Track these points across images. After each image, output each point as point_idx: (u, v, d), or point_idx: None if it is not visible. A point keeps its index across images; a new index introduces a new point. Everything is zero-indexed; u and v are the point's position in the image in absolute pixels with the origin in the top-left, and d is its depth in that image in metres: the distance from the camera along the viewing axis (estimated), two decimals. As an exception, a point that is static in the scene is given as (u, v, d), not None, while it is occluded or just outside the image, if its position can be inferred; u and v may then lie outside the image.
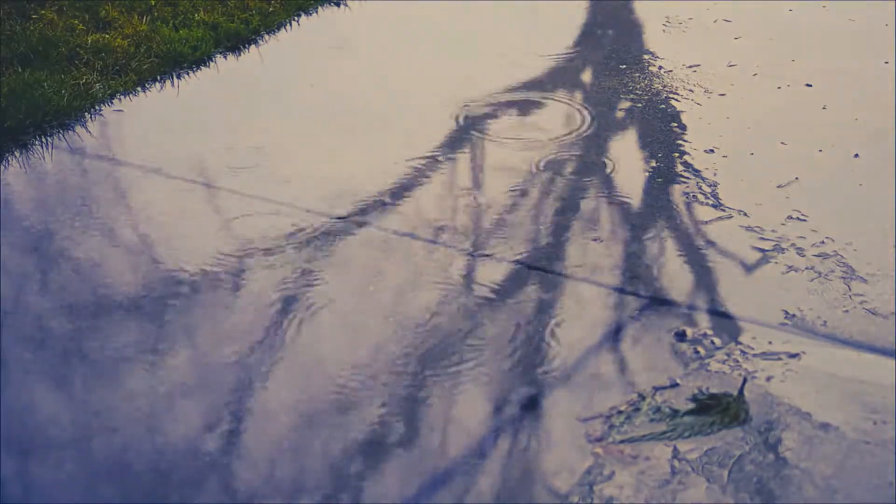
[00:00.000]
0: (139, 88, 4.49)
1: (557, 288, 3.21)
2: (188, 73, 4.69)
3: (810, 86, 4.58)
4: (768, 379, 2.81)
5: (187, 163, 3.90)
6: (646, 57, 4.89)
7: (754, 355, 2.90)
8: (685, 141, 4.10)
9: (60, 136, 4.07)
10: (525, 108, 4.41)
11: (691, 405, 2.72)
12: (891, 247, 3.39)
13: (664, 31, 5.22)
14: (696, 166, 3.91)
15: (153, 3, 5.19)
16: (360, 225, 3.52)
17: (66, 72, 4.46)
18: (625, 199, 3.69)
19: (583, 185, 3.79)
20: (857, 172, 3.87)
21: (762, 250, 3.38)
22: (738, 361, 2.87)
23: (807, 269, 3.28)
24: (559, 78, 4.70)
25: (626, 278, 3.24)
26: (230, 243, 3.41)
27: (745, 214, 3.57)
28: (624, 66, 4.77)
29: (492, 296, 3.17)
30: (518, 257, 3.34)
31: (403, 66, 4.85)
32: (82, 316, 3.08)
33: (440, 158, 3.96)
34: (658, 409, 2.70)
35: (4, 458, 2.58)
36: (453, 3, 5.58)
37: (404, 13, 5.48)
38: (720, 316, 3.07)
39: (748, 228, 3.50)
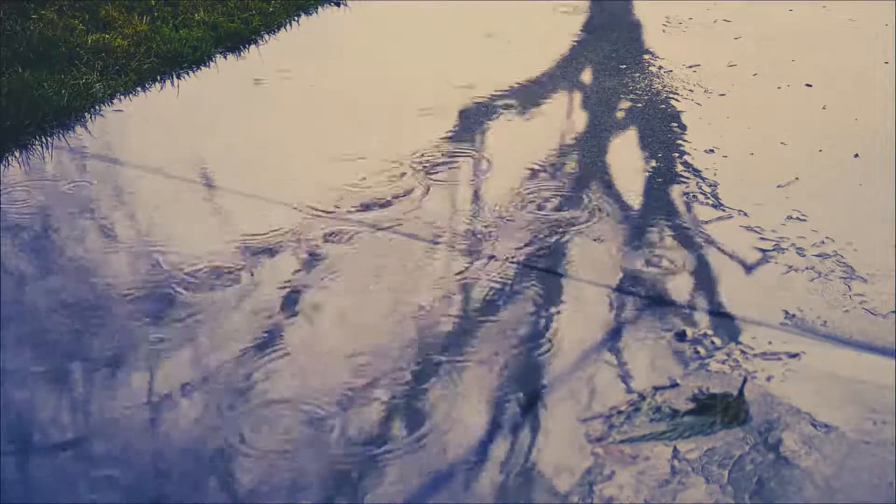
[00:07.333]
0: (139, 88, 4.49)
1: (557, 288, 3.21)
2: (188, 73, 4.69)
3: (810, 86, 4.58)
4: (768, 379, 2.81)
5: (187, 163, 3.91)
6: (646, 57, 4.89)
7: (754, 355, 2.90)
8: (685, 141, 4.10)
9: (60, 136, 4.07)
10: (525, 106, 4.41)
11: (691, 405, 2.72)
12: (891, 247, 3.39)
13: (664, 31, 5.22)
14: (696, 166, 3.91)
15: (153, 3, 5.19)
16: (362, 224, 3.52)
17: (66, 72, 4.46)
18: (625, 199, 3.69)
19: (583, 184, 3.79)
20: (857, 172, 3.87)
21: (762, 250, 3.38)
22: (738, 361, 2.87)
23: (807, 269, 3.27)
24: (559, 78, 4.69)
25: (625, 278, 3.24)
26: (231, 243, 3.41)
27: (745, 214, 3.57)
28: (624, 66, 4.77)
29: (491, 295, 3.16)
30: (517, 257, 3.34)
31: (403, 65, 4.85)
32: (81, 315, 3.08)
33: (440, 157, 3.96)
34: (658, 409, 2.70)
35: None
36: (453, 3, 5.58)
37: (404, 13, 5.48)
38: (720, 316, 3.07)
39: (748, 228, 3.50)
